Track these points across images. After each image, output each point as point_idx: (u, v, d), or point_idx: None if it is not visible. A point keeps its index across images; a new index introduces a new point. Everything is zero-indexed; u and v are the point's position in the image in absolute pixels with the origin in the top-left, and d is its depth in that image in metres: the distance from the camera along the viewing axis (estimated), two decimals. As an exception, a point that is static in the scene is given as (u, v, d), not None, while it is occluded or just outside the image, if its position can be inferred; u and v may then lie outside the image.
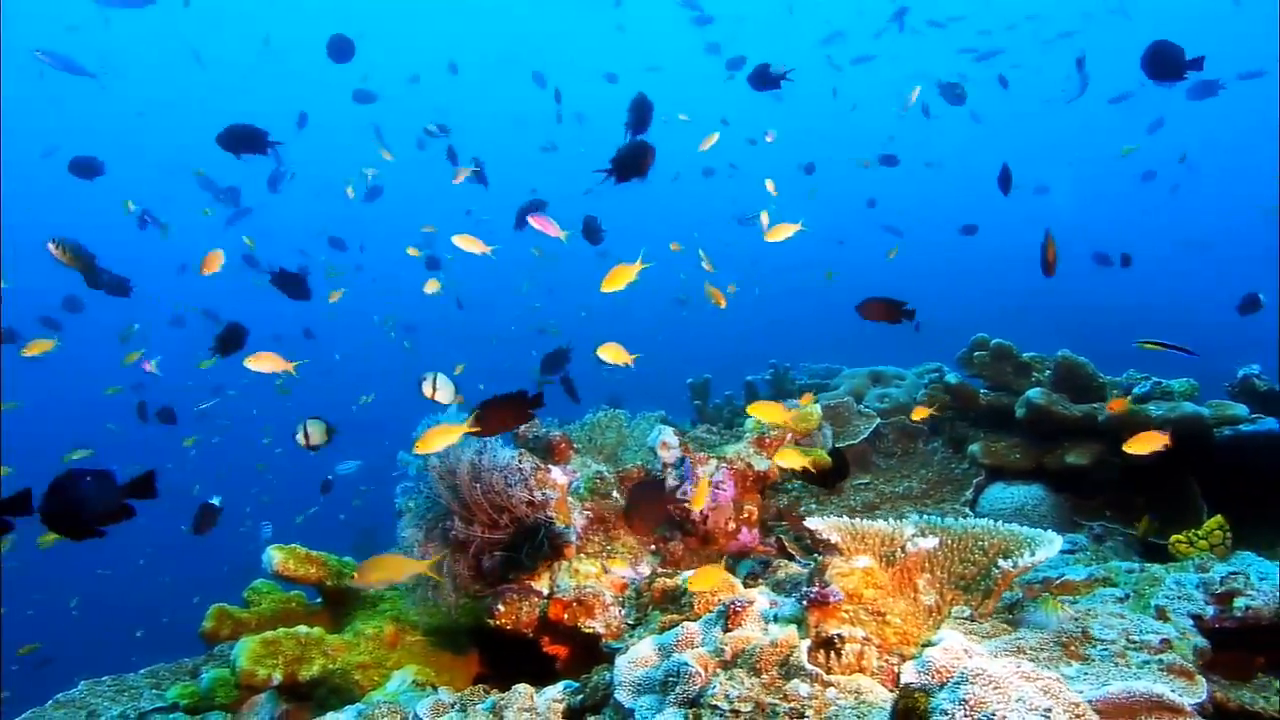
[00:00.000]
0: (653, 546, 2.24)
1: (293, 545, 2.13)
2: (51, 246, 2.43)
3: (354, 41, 4.47)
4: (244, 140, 2.87)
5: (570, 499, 2.13)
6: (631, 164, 2.40)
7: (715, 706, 1.26)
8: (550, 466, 2.08)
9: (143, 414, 3.40)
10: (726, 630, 1.45)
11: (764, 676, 1.29)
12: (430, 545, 1.88)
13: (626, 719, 1.40)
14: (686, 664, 1.35)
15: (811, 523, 1.82)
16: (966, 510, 2.59)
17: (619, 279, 2.16)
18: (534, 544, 1.88)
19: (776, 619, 1.49)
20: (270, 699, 1.77)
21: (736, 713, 1.23)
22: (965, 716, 0.99)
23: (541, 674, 1.87)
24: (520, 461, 1.95)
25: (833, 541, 1.77)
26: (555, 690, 1.57)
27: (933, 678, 1.17)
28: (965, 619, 1.62)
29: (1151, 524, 2.28)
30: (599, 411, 3.08)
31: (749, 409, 2.33)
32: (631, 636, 1.67)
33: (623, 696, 1.43)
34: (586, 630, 1.77)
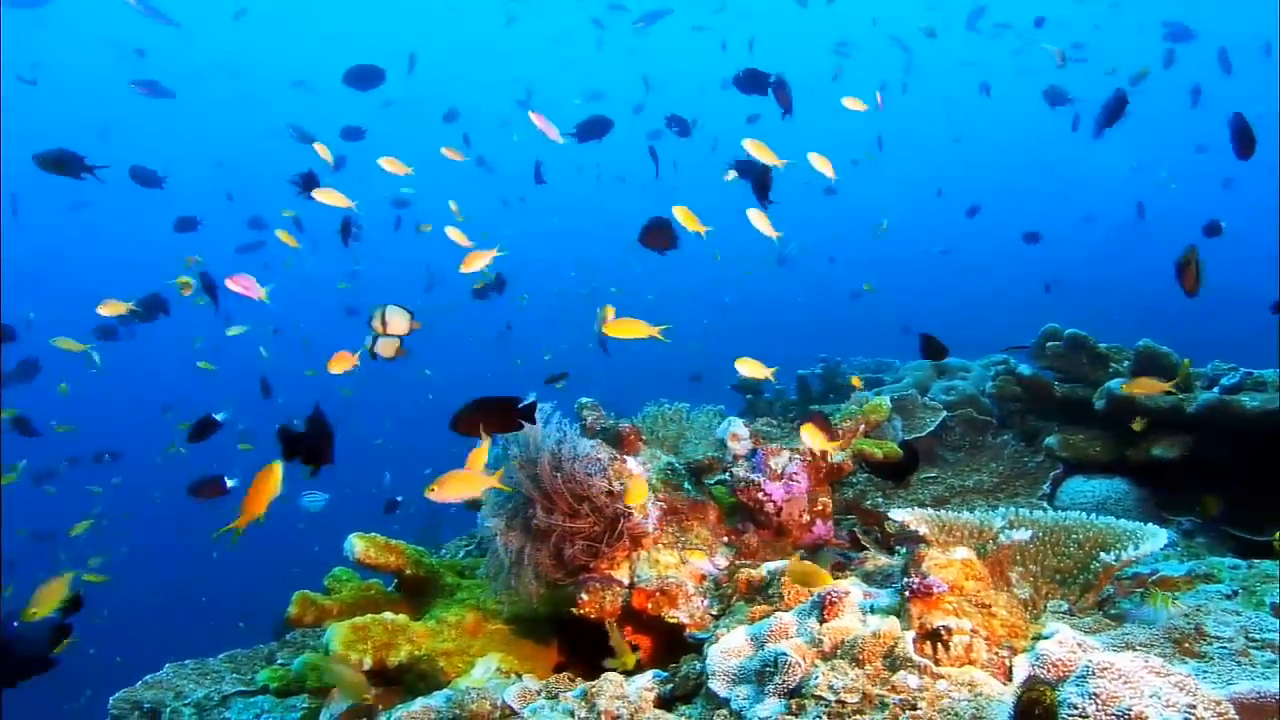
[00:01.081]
0: (725, 539, 2.23)
1: (373, 534, 2.17)
2: None
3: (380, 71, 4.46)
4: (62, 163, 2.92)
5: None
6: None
7: (820, 697, 1.25)
8: (625, 457, 2.08)
9: (266, 390, 3.46)
10: (822, 621, 1.44)
11: (868, 668, 1.27)
12: (512, 534, 1.90)
13: (720, 708, 1.40)
14: (785, 654, 1.33)
15: (898, 514, 1.79)
16: (1044, 504, 2.52)
17: (628, 330, 2.16)
18: (614, 533, 1.89)
19: (873, 610, 1.46)
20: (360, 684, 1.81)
21: (842, 703, 1.22)
22: (1098, 711, 0.96)
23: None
24: (598, 452, 1.95)
25: (921, 533, 1.74)
26: (645, 679, 1.58)
27: (1048, 671, 1.14)
28: (1063, 613, 1.58)
29: (1214, 503, 2.19)
30: (660, 404, 3.07)
31: (802, 429, 2.30)
32: (718, 627, 1.67)
33: (717, 686, 1.42)
34: (670, 620, 1.77)
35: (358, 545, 2.12)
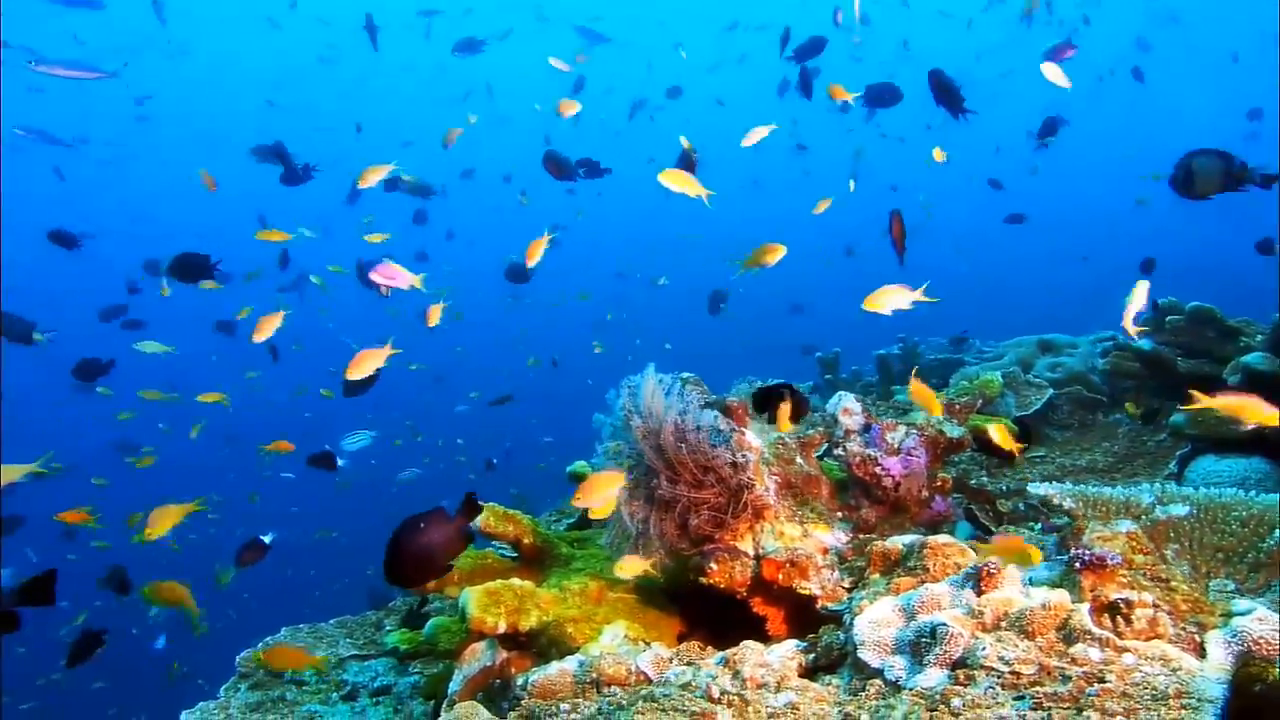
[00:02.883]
0: (839, 514, 2.20)
1: (491, 503, 2.21)
2: None
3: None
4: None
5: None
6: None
7: (990, 668, 1.21)
8: (744, 430, 2.07)
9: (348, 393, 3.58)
10: (979, 593, 1.40)
11: (1039, 640, 1.23)
12: (635, 504, 1.91)
13: (873, 678, 1.38)
14: (945, 625, 1.30)
15: (1039, 488, 1.73)
16: (1171, 484, 2.41)
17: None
18: (738, 505, 1.88)
19: (1031, 582, 1.42)
20: (490, 646, 1.85)
21: (1017, 674, 1.18)
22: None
23: (743, 635, 1.86)
24: (720, 423, 1.94)
25: (1066, 508, 1.68)
26: (786, 648, 1.57)
27: (1256, 648, 1.08)
28: (1231, 592, 1.50)
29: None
30: (750, 381, 3.05)
31: (911, 392, 2.26)
32: (855, 599, 1.64)
33: (868, 656, 1.40)
34: (802, 591, 1.75)
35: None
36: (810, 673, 1.54)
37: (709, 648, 1.74)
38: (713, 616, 1.97)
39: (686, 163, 2.87)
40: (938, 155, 3.45)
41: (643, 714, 1.08)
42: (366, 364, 2.28)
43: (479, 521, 2.17)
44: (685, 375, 2.70)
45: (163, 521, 2.36)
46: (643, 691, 1.20)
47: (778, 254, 2.73)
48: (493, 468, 4.17)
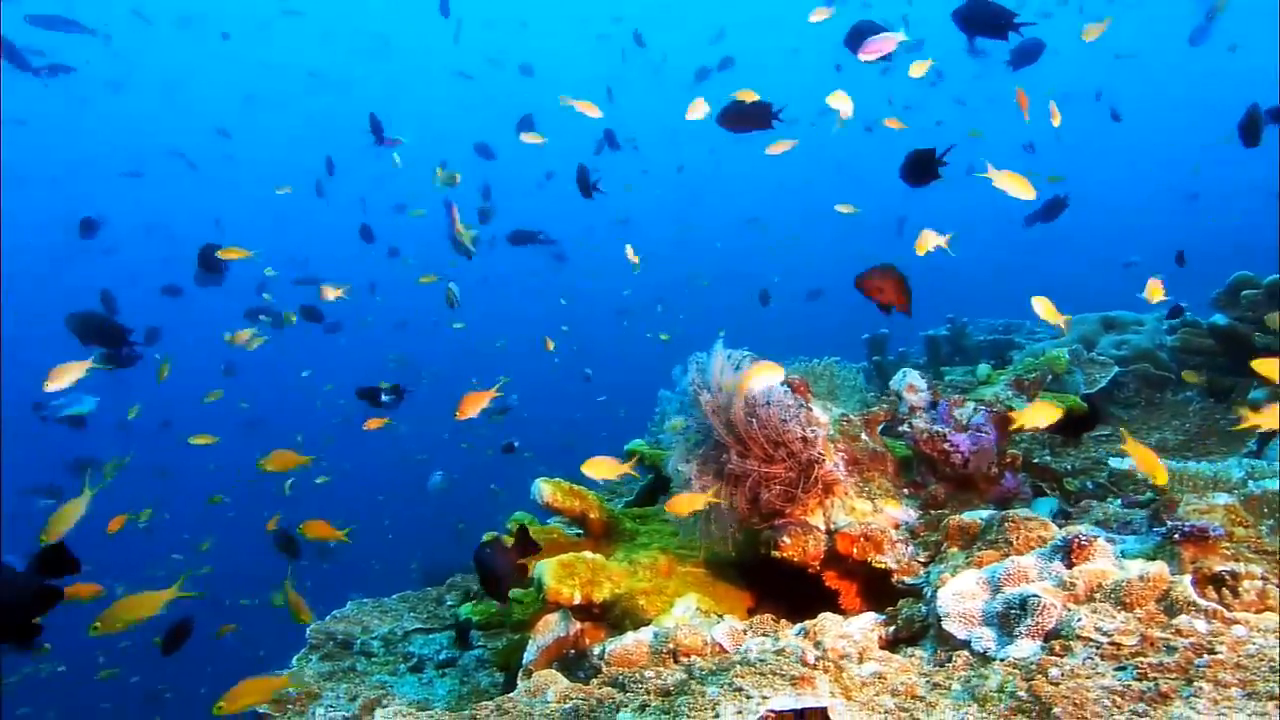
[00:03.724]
0: (905, 490, 2.19)
1: (557, 479, 2.24)
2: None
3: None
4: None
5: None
6: None
7: (1087, 639, 1.20)
8: (812, 405, 2.06)
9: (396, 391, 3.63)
10: (1069, 565, 1.38)
11: (1139, 612, 1.21)
12: (705, 479, 1.92)
13: (959, 650, 1.37)
14: (1036, 596, 1.29)
15: (1122, 463, 1.70)
16: (1262, 461, 2.34)
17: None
18: (809, 480, 1.87)
19: (1124, 554, 1.40)
20: (564, 618, 1.88)
21: (1117, 645, 1.17)
22: None
23: (813, 609, 1.86)
24: (789, 398, 1.94)
25: (1153, 482, 1.64)
26: (865, 620, 1.57)
27: (1375, 618, 1.05)
28: (1331, 568, 1.46)
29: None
30: (810, 360, 3.03)
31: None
32: (934, 573, 1.63)
33: (953, 628, 1.40)
34: (878, 565, 1.75)
35: (545, 489, 2.19)
36: (891, 645, 1.54)
37: (783, 621, 1.75)
38: (782, 591, 1.98)
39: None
40: (893, 123, 3.31)
41: (742, 677, 1.10)
42: (473, 406, 2.30)
43: (546, 496, 2.20)
44: (743, 352, 2.69)
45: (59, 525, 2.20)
46: (737, 656, 1.21)
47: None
48: (513, 450, 4.23)
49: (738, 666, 1.14)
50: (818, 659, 1.21)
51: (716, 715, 1.03)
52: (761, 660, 1.16)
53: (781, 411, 1.89)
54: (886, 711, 1.13)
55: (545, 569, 1.80)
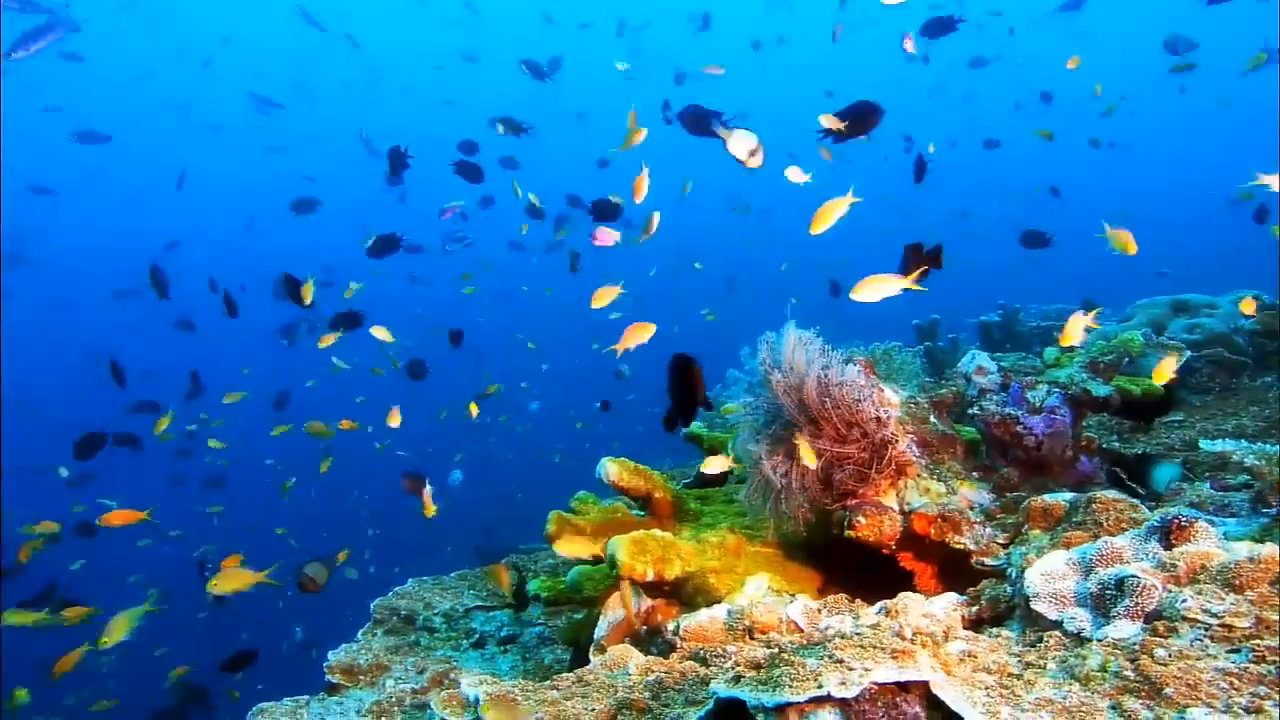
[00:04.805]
0: (975, 475, 2.15)
1: (622, 458, 2.25)
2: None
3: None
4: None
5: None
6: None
7: (1194, 620, 1.17)
8: (883, 386, 2.03)
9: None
10: (1168, 546, 1.35)
11: (1250, 594, 1.18)
12: (776, 459, 1.91)
13: (1051, 630, 1.35)
14: (1136, 577, 1.26)
15: (1215, 445, 1.65)
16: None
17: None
18: (883, 460, 1.85)
19: (1226, 537, 1.36)
20: (634, 594, 1.89)
21: (1229, 627, 1.13)
22: None
23: (884, 591, 1.85)
24: (862, 378, 1.92)
25: (1247, 465, 1.60)
26: (947, 600, 1.55)
27: None
28: None
29: None
30: (861, 345, 2.99)
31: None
32: (1019, 554, 1.60)
33: (1043, 608, 1.37)
34: (956, 546, 1.72)
35: (610, 469, 2.21)
36: (973, 626, 1.52)
37: (857, 601, 1.74)
38: (850, 572, 1.97)
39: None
40: (825, 155, 3.30)
41: (842, 649, 1.09)
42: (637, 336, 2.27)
43: (611, 475, 2.21)
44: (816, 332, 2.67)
45: (116, 631, 2.45)
46: (831, 631, 1.21)
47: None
48: (607, 408, 4.23)
49: (836, 639, 1.14)
50: (915, 634, 1.20)
51: (820, 685, 1.03)
52: (858, 634, 1.15)
53: (855, 391, 1.87)
54: (988, 688, 1.12)
55: (618, 545, 1.82)
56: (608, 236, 3.32)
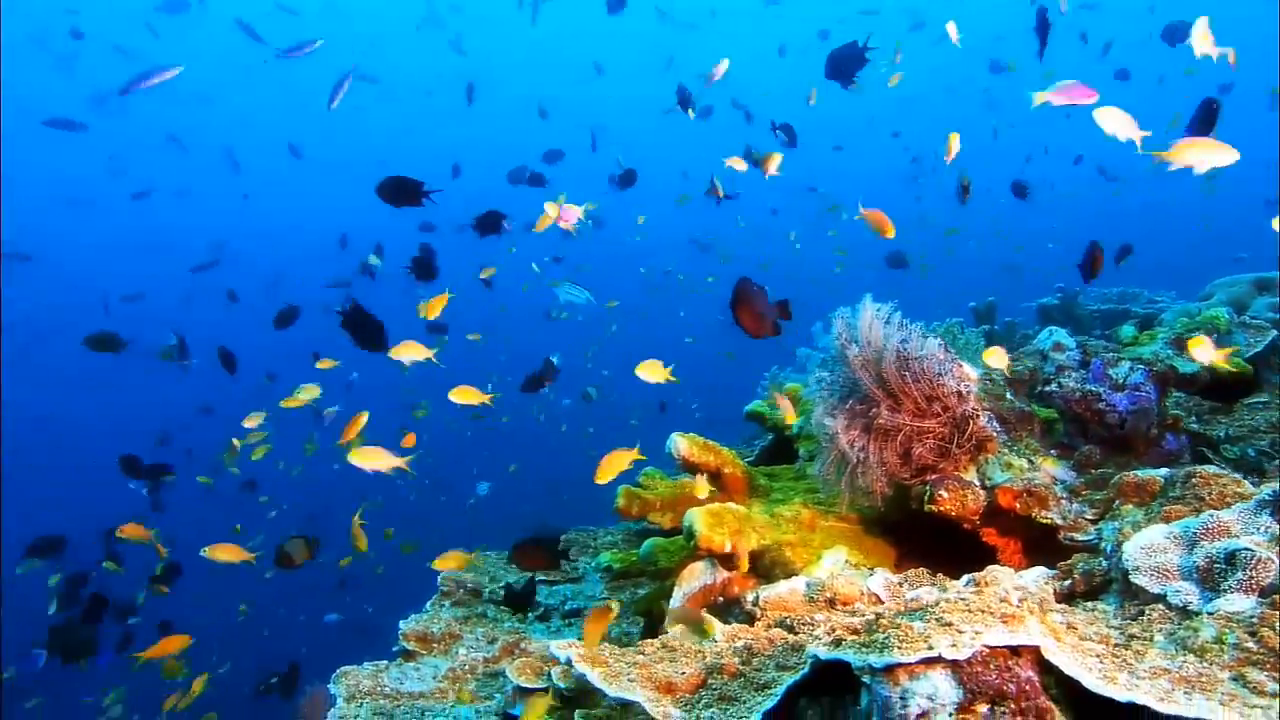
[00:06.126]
0: (1054, 452, 2.11)
1: (691, 434, 2.26)
2: None
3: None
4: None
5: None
6: None
7: (1315, 592, 1.13)
8: (961, 360, 2.00)
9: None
10: (1280, 520, 1.31)
11: (1375, 566, 1.14)
12: (852, 433, 1.90)
13: (1153, 603, 1.32)
14: (1249, 550, 1.23)
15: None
16: None
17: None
18: (963, 435, 1.83)
19: (1343, 512, 1.31)
20: (710, 565, 1.91)
21: (1356, 600, 1.10)
22: None
23: (963, 565, 1.82)
24: (942, 351, 1.89)
25: (1358, 440, 1.53)
26: (1037, 573, 1.53)
27: None
28: None
29: None
30: (932, 323, 2.95)
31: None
32: (1111, 529, 1.57)
33: (1144, 581, 1.35)
34: (1042, 521, 1.70)
35: (680, 444, 2.22)
36: (1065, 599, 1.50)
37: (939, 574, 1.73)
38: (927, 548, 1.95)
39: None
40: (736, 164, 3.18)
41: (949, 612, 1.09)
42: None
43: (682, 450, 2.22)
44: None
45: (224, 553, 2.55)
46: (924, 600, 1.20)
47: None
48: (665, 409, 4.25)
49: (943, 603, 1.13)
50: (1022, 600, 1.19)
51: (930, 647, 1.03)
52: (963, 599, 1.14)
53: (936, 365, 1.85)
54: (1098, 655, 1.11)
55: (696, 517, 1.83)
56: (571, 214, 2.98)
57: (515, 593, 2.60)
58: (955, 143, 2.53)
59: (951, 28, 3.95)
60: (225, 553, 2.70)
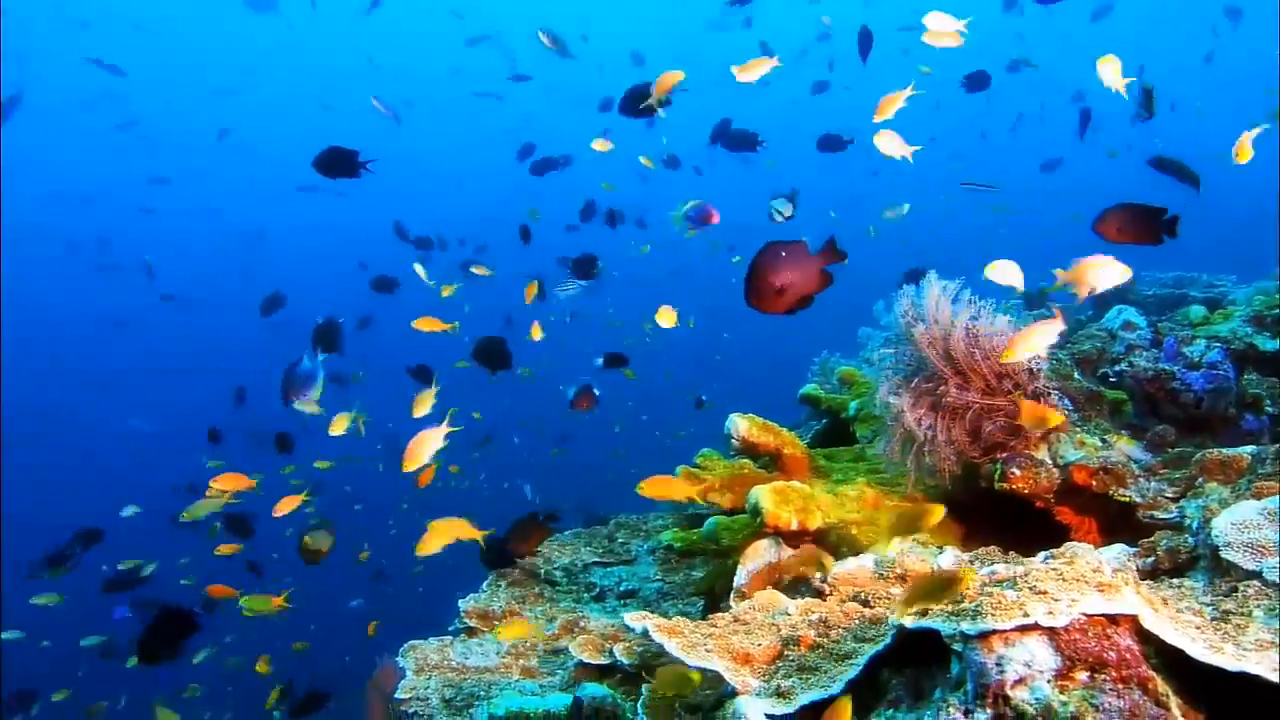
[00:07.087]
0: (1125, 432, 2.07)
1: (751, 414, 2.26)
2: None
3: None
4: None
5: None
6: None
7: None
8: (1030, 339, 1.97)
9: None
10: (1384, 494, 1.26)
11: None
12: (919, 411, 1.88)
13: (1246, 580, 1.29)
14: (1351, 523, 1.19)
15: None
16: None
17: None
18: (1035, 413, 1.80)
19: None
20: (774, 544, 1.91)
21: None
22: None
23: (1034, 544, 1.80)
24: (1012, 328, 1.86)
25: None
26: (1118, 550, 1.50)
27: None
28: None
29: None
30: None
31: None
32: (1194, 506, 1.54)
33: (1236, 557, 1.32)
34: (1120, 499, 1.67)
35: (740, 425, 2.22)
36: (1149, 574, 1.47)
37: (1011, 553, 1.71)
38: (994, 528, 1.93)
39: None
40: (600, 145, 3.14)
41: (1042, 580, 1.08)
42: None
43: (741, 430, 2.23)
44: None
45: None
46: (1024, 569, 1.19)
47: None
48: (703, 405, 4.24)
49: (1034, 572, 1.12)
50: (1116, 570, 1.17)
51: (1026, 614, 1.02)
52: (1055, 569, 1.13)
53: (1006, 342, 1.82)
54: (1197, 627, 1.09)
55: (762, 494, 1.83)
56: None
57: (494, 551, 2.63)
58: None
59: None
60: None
